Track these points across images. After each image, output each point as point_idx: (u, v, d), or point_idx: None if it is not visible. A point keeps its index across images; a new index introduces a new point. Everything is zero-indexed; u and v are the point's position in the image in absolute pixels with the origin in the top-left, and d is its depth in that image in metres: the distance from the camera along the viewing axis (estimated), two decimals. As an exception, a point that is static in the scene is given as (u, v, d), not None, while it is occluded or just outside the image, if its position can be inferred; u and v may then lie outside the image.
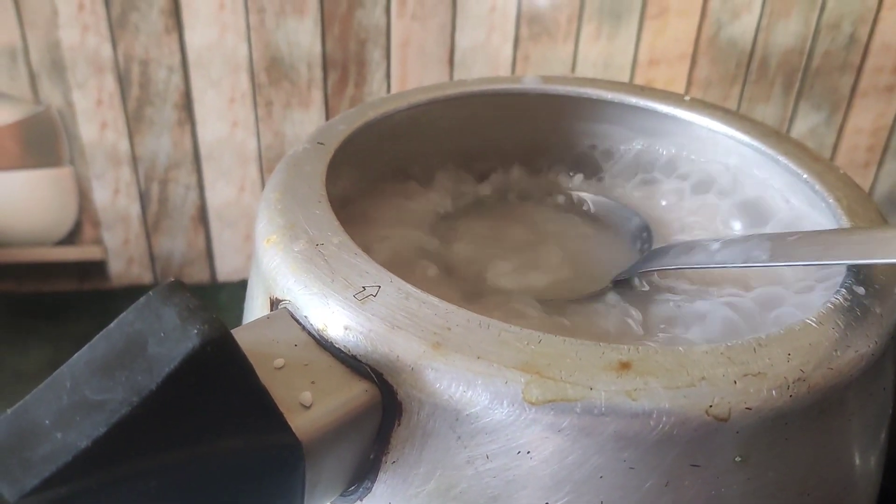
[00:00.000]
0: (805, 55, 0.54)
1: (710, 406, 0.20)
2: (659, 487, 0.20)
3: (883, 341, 0.22)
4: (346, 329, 0.21)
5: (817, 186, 0.29)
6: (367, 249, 0.24)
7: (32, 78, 0.49)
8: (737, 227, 0.32)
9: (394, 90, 0.53)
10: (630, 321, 0.27)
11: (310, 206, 0.26)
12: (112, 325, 0.19)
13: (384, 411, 0.21)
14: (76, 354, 0.18)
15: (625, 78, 0.54)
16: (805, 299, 0.27)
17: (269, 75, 0.51)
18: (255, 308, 0.26)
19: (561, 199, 0.35)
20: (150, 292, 0.19)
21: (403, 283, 0.23)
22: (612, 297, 0.29)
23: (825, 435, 0.22)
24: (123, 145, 0.52)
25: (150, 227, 0.55)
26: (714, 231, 0.32)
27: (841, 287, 0.24)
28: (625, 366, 0.20)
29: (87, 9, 0.47)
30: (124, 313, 0.19)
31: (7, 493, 0.16)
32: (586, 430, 0.20)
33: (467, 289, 0.29)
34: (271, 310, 0.24)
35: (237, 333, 0.19)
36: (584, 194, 0.35)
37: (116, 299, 0.55)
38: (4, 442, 0.17)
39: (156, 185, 0.53)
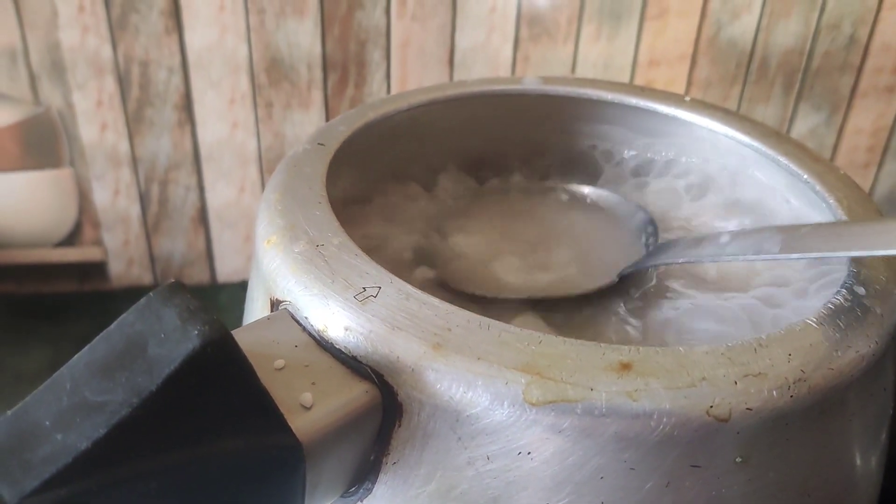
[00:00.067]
0: (805, 56, 0.54)
1: (711, 407, 0.20)
2: (660, 488, 0.20)
3: (883, 341, 0.22)
4: (346, 330, 0.21)
5: (818, 187, 0.29)
6: (367, 250, 0.24)
7: (32, 79, 0.49)
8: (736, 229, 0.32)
9: (394, 91, 0.53)
10: (629, 328, 0.27)
11: (310, 207, 0.26)
12: (112, 326, 0.19)
13: (384, 412, 0.21)
14: (76, 356, 0.18)
15: (625, 79, 0.54)
16: (805, 300, 0.27)
17: (269, 76, 0.51)
18: (256, 309, 0.26)
19: (564, 195, 0.35)
20: (151, 293, 0.19)
21: (404, 283, 0.23)
22: (611, 302, 0.28)
23: (826, 435, 0.22)
24: (123, 146, 0.52)
25: (150, 228, 0.55)
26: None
27: (841, 287, 0.24)
28: (625, 366, 0.20)
29: (87, 10, 0.47)
30: (124, 314, 0.19)
31: (7, 494, 0.16)
32: (587, 431, 0.20)
33: (470, 289, 0.29)
34: (272, 311, 0.24)
35: (237, 334, 0.19)
36: (586, 189, 0.35)
37: (116, 300, 0.55)
38: (4, 443, 0.17)
39: (156, 186, 0.53)
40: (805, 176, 0.30)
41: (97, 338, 0.18)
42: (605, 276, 0.29)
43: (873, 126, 0.57)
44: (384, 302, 0.22)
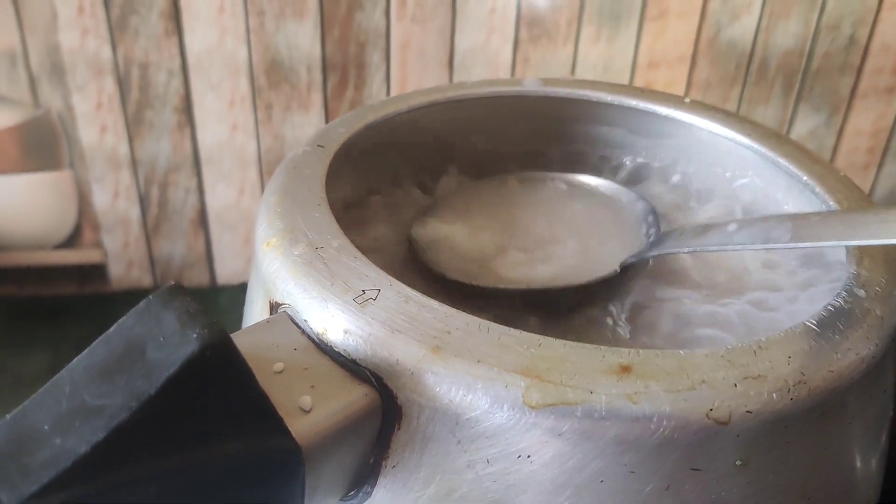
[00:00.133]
0: (805, 56, 0.54)
1: (711, 409, 0.20)
2: (660, 491, 0.20)
3: (883, 343, 0.22)
4: (345, 333, 0.21)
5: (817, 188, 0.29)
6: (366, 252, 0.24)
7: (32, 81, 0.49)
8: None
9: (393, 93, 0.53)
10: (619, 329, 0.27)
11: (309, 209, 0.26)
12: (111, 329, 0.19)
13: (384, 415, 0.21)
14: (75, 359, 0.18)
15: (624, 80, 0.54)
16: (803, 302, 0.27)
17: (268, 78, 0.51)
18: (255, 312, 0.26)
19: (562, 185, 0.34)
20: (150, 296, 0.19)
21: (403, 286, 0.22)
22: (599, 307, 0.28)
23: (826, 438, 0.22)
24: (123, 149, 0.52)
25: (149, 231, 0.55)
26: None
27: (841, 289, 0.24)
28: (625, 369, 0.20)
29: (87, 12, 0.47)
30: (124, 318, 0.19)
31: (6, 499, 0.16)
32: (587, 434, 0.20)
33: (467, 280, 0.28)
34: (271, 314, 0.24)
35: (237, 337, 0.19)
36: (583, 178, 0.34)
37: (116, 303, 0.55)
38: (3, 448, 0.17)
39: (155, 189, 0.53)
40: (805, 177, 0.30)
41: (96, 341, 0.18)
42: (606, 266, 0.29)
43: (873, 127, 0.57)
44: (383, 304, 0.22)
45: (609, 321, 0.27)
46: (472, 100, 0.35)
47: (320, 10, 0.49)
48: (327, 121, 0.53)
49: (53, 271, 0.55)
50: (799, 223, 0.24)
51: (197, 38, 0.49)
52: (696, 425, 0.20)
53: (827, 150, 0.58)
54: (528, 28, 0.51)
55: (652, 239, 0.30)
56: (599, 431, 0.20)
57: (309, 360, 0.21)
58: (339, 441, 0.20)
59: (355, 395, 0.21)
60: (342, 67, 0.51)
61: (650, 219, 0.31)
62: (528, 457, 0.20)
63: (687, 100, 0.35)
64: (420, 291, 0.22)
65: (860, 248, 0.25)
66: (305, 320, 0.22)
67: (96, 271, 0.55)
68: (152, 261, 0.56)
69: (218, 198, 0.54)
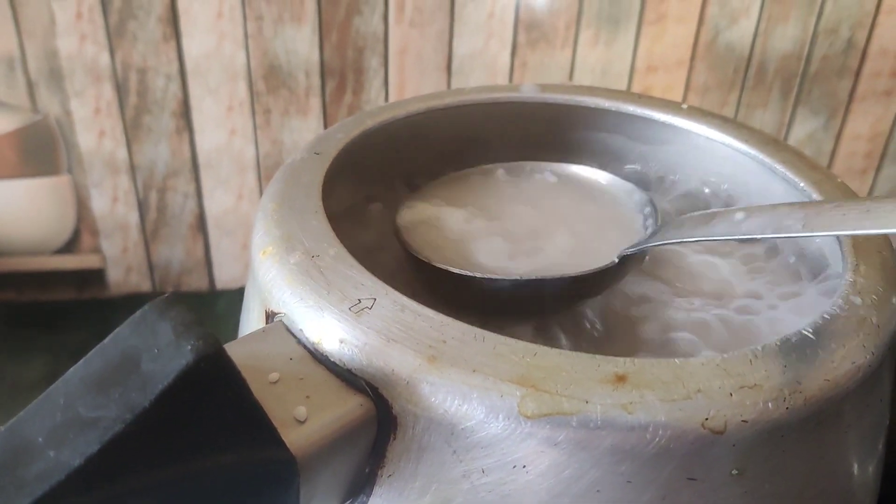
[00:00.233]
0: (803, 60, 0.54)
1: (706, 419, 0.20)
2: (656, 501, 0.20)
3: (880, 352, 0.22)
4: (341, 342, 0.21)
5: (814, 195, 0.29)
6: (363, 259, 0.24)
7: (30, 87, 0.49)
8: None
9: (392, 97, 0.53)
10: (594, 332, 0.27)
11: (306, 216, 0.26)
12: (107, 339, 0.19)
13: (379, 425, 0.21)
14: (71, 370, 0.18)
15: (622, 84, 0.54)
16: (800, 309, 0.27)
17: (267, 83, 0.51)
18: (252, 320, 0.26)
19: (556, 175, 0.33)
20: (146, 306, 0.19)
21: (399, 295, 0.22)
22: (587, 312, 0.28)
23: (822, 447, 0.22)
24: (121, 154, 0.52)
25: (148, 236, 0.55)
26: (710, 243, 0.32)
27: (838, 297, 0.24)
28: (621, 378, 0.20)
29: (85, 17, 0.47)
30: (120, 327, 0.19)
31: (0, 512, 0.16)
32: (582, 444, 0.20)
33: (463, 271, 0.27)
34: (267, 322, 0.24)
35: (232, 347, 0.19)
36: (576, 168, 0.33)
37: (115, 308, 0.55)
38: (-2, 460, 0.17)
39: (154, 194, 0.53)
40: (802, 184, 0.30)
41: (92, 351, 0.19)
42: (604, 256, 0.28)
43: (871, 131, 0.57)
44: (379, 314, 0.22)
45: (586, 323, 0.27)
46: (469, 106, 0.35)
47: (318, 14, 0.49)
48: (326, 126, 0.53)
49: (52, 276, 0.55)
50: (812, 211, 0.23)
51: (195, 43, 0.49)
52: (692, 435, 0.20)
53: (825, 154, 0.58)
54: (526, 32, 0.51)
55: (650, 229, 0.29)
56: (595, 441, 0.20)
57: (304, 369, 0.21)
58: (335, 451, 0.20)
59: (350, 406, 0.20)
60: (340, 72, 0.51)
61: (647, 209, 0.30)
62: (524, 467, 0.20)
63: (684, 106, 0.35)
64: (416, 294, 0.22)
65: (856, 255, 0.25)
66: (301, 330, 0.22)
67: (95, 276, 0.55)
68: (151, 266, 0.56)
69: (216, 203, 0.54)
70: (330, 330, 0.22)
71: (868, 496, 0.25)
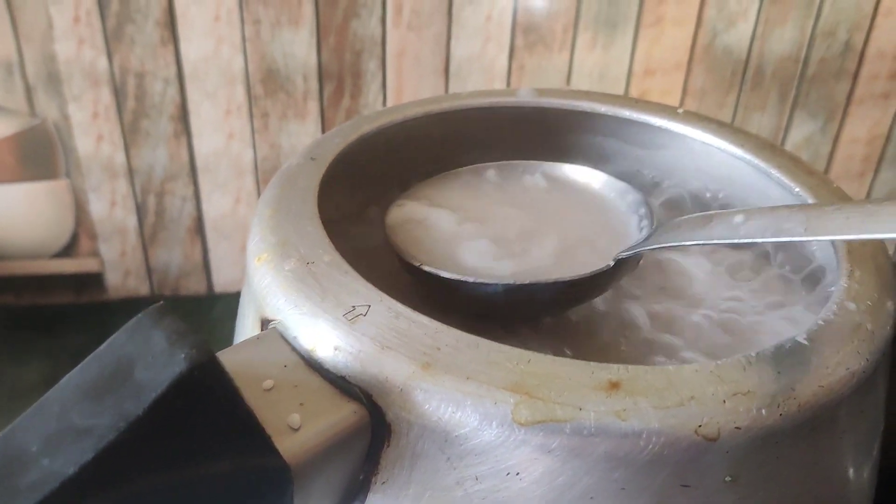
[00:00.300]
0: (801, 63, 0.54)
1: (700, 426, 0.20)
2: (650, 508, 0.20)
3: (874, 358, 0.22)
4: (335, 349, 0.21)
5: (810, 200, 0.29)
6: (358, 265, 0.24)
7: (28, 91, 0.49)
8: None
9: (389, 101, 0.53)
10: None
11: (302, 222, 0.26)
12: (102, 347, 0.19)
13: (373, 432, 0.21)
14: (65, 378, 0.18)
15: (620, 87, 0.54)
16: (795, 316, 0.27)
17: (264, 87, 0.51)
18: (247, 327, 0.26)
19: (548, 175, 0.33)
20: (141, 314, 0.19)
21: (393, 301, 0.22)
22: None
23: (816, 453, 0.22)
24: (119, 158, 0.52)
25: (146, 239, 0.55)
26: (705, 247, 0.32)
27: (832, 303, 0.24)
28: (614, 385, 0.20)
29: (83, 21, 0.48)
30: (115, 335, 0.19)
31: (-7, 521, 0.16)
32: (576, 451, 0.20)
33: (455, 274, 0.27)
34: (262, 329, 0.24)
35: (226, 354, 0.19)
36: (569, 167, 0.33)
37: (113, 311, 0.55)
38: (-9, 469, 0.17)
39: (152, 197, 0.53)
40: (797, 189, 0.30)
41: (87, 359, 0.19)
42: (599, 259, 0.27)
43: (869, 134, 0.57)
44: (373, 320, 0.22)
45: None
46: (466, 111, 0.36)
47: (316, 18, 0.49)
48: (324, 129, 0.53)
49: (50, 280, 0.55)
50: (814, 214, 0.22)
51: (193, 46, 0.49)
52: (686, 442, 0.20)
53: (822, 157, 0.58)
54: (523, 35, 0.51)
55: (646, 232, 0.28)
56: (589, 448, 0.20)
57: (298, 377, 0.21)
58: (328, 459, 0.20)
59: (344, 413, 0.21)
60: (338, 76, 0.51)
61: (642, 211, 0.29)
62: (518, 474, 0.20)
63: (680, 110, 0.35)
64: (411, 299, 0.22)
65: (851, 260, 0.25)
66: (295, 337, 0.22)
67: (93, 280, 0.55)
68: (149, 269, 0.56)
69: (214, 206, 0.54)
70: (324, 337, 0.22)
71: (863, 502, 0.25)
